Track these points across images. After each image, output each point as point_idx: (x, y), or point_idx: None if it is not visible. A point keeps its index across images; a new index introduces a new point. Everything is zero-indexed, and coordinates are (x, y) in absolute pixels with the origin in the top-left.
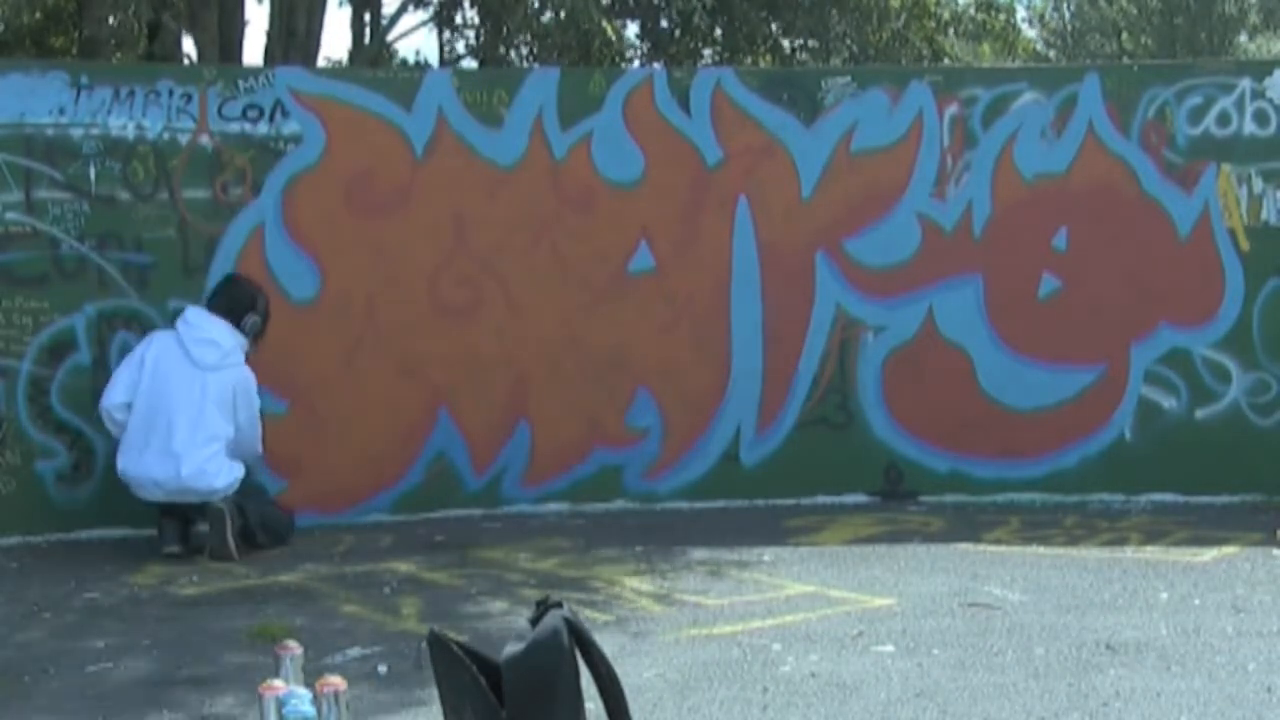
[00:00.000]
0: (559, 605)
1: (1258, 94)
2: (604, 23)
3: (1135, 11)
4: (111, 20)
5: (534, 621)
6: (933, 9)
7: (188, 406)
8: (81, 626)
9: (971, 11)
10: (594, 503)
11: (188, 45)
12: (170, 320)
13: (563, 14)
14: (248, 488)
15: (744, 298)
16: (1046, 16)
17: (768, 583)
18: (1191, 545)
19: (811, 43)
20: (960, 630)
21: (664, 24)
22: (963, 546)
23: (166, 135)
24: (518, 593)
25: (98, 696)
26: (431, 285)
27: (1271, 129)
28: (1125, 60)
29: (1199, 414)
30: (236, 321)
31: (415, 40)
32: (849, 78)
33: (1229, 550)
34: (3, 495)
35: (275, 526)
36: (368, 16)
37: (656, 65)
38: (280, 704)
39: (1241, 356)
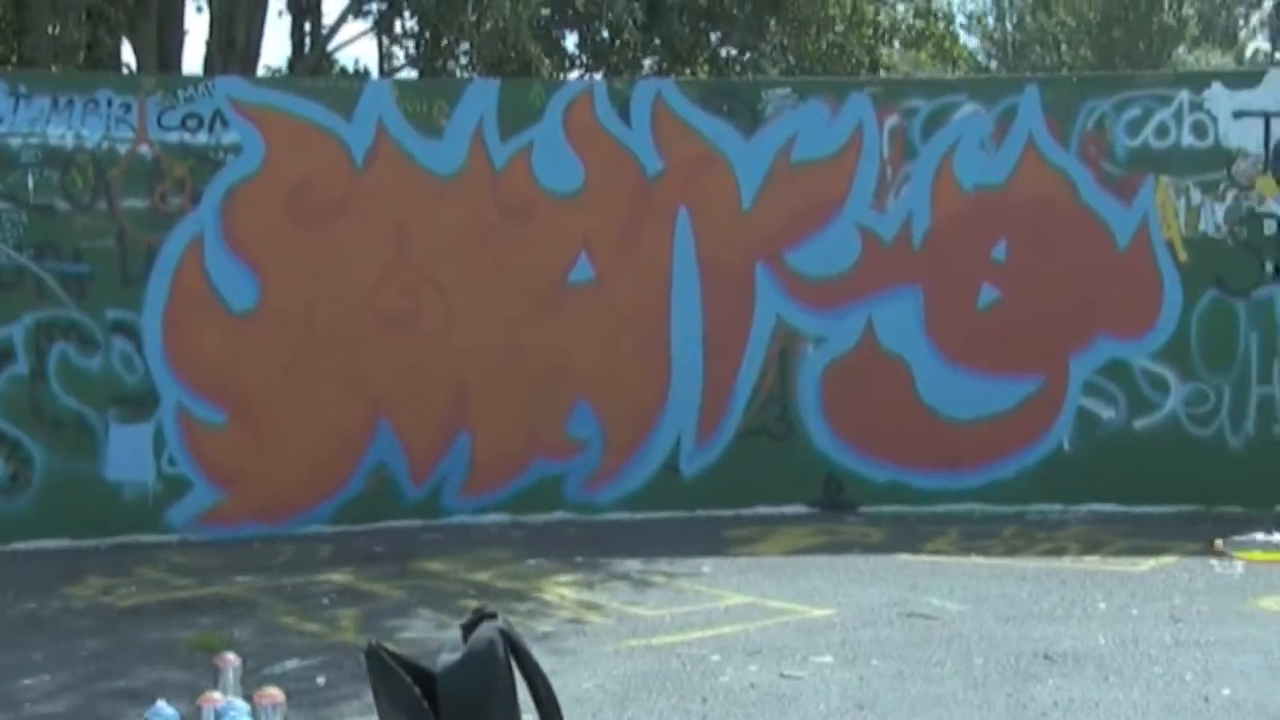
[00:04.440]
0: (493, 616)
1: (1196, 106)
2: (529, 43)
3: (1075, 24)
4: (51, 30)
5: (466, 629)
6: (871, 18)
7: None
8: (18, 638)
9: (910, 19)
10: (534, 513)
11: (127, 54)
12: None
13: (498, 24)
14: None
15: (684, 308)
16: (987, 24)
17: (707, 593)
18: (1130, 555)
19: (748, 56)
20: (899, 640)
21: (603, 35)
22: (902, 557)
23: (105, 144)
24: (457, 604)
25: (33, 709)
26: (372, 295)
27: (1209, 141)
28: (1065, 72)
29: (1138, 424)
30: None
31: (355, 50)
32: (789, 89)
33: (1167, 560)
34: None
35: None
36: (308, 26)
37: (597, 76)
38: (219, 716)
39: (1180, 367)
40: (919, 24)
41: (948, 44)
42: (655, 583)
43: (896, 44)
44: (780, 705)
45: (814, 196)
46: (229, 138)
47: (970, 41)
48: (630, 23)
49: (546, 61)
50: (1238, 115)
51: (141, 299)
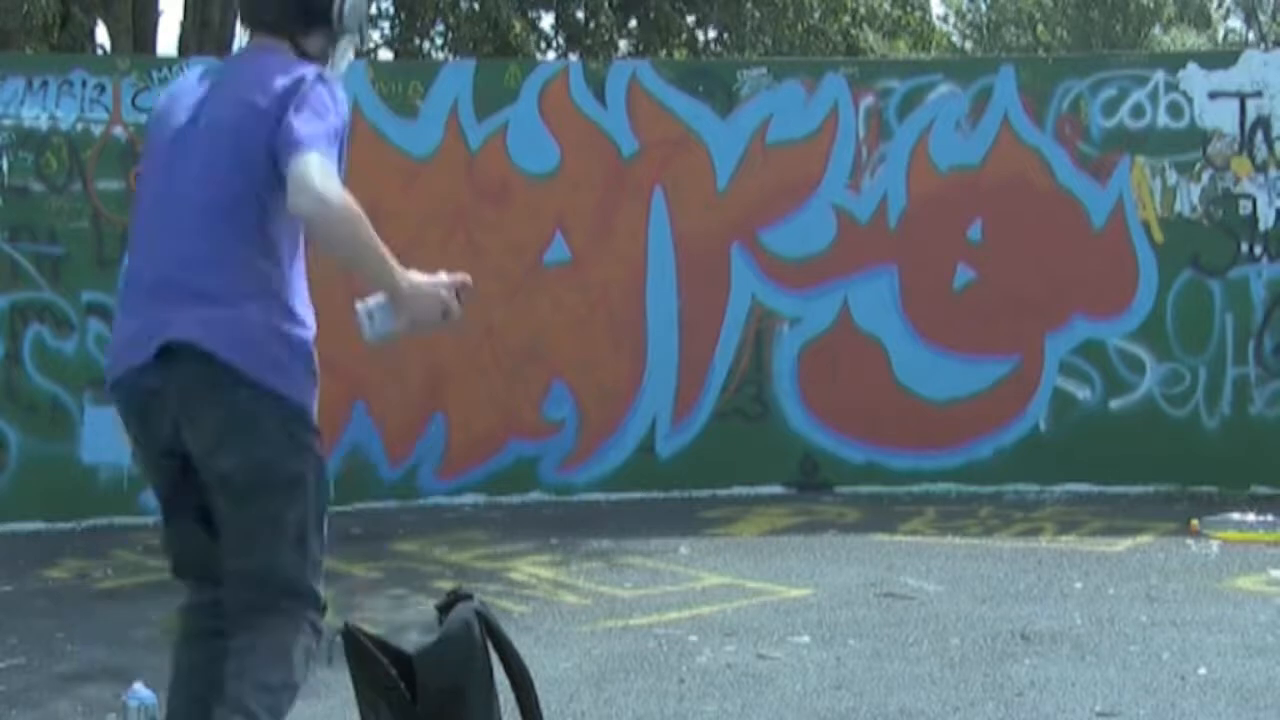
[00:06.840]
0: (469, 597)
1: (1171, 86)
2: (513, 19)
3: (1051, 4)
4: (23, 9)
5: (441, 610)
6: (849, 4)
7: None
8: None
9: (887, 7)
10: (510, 494)
11: (101, 35)
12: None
13: (476, 6)
14: None
15: (660, 289)
16: (963, 9)
17: (684, 574)
18: (1106, 535)
19: (726, 36)
20: (876, 621)
21: (579, 15)
22: (878, 537)
23: (80, 126)
24: (434, 585)
25: (8, 691)
26: (346, 277)
27: (1185, 121)
28: (1040, 53)
29: (1113, 405)
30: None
31: None
32: (764, 69)
33: (1143, 540)
34: None
35: None
36: None
37: (572, 57)
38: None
39: (1155, 348)
40: (895, 13)
41: (925, 33)
42: (631, 563)
43: (869, 30)
44: (757, 685)
45: (789, 177)
46: None
47: (946, 26)
48: (608, 3)
49: (530, 36)
50: (1213, 96)
51: (116, 281)
